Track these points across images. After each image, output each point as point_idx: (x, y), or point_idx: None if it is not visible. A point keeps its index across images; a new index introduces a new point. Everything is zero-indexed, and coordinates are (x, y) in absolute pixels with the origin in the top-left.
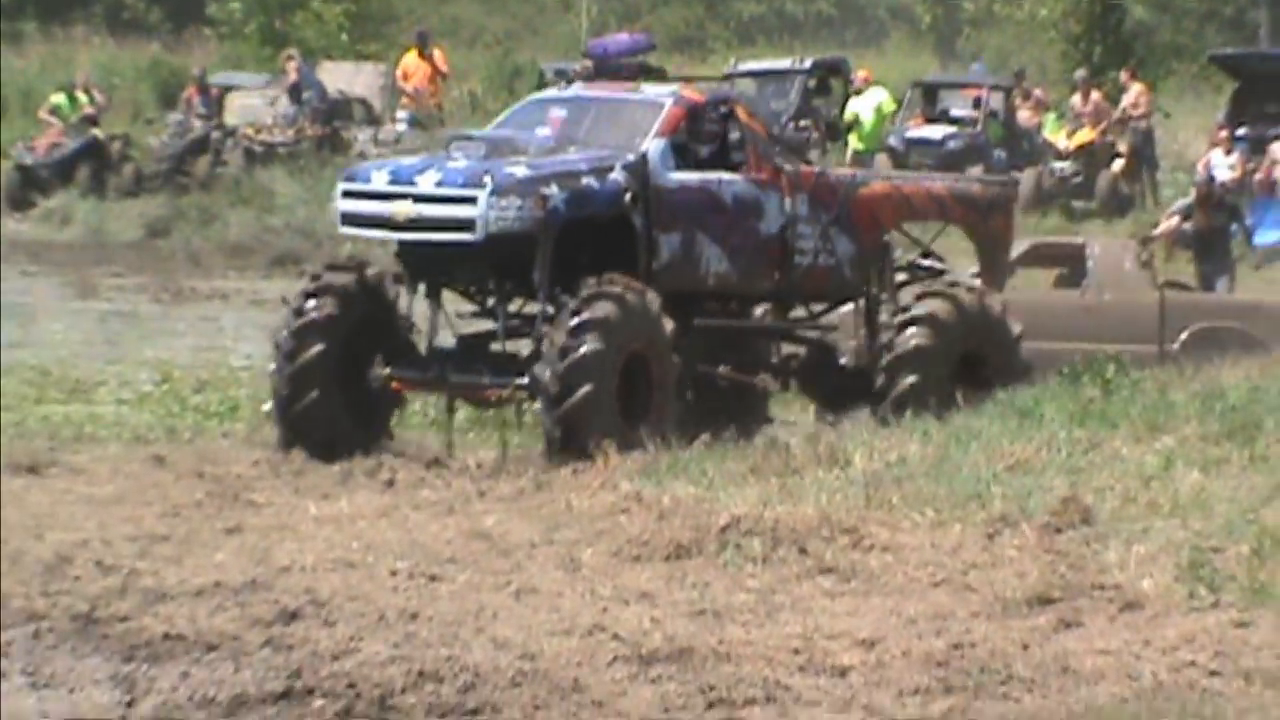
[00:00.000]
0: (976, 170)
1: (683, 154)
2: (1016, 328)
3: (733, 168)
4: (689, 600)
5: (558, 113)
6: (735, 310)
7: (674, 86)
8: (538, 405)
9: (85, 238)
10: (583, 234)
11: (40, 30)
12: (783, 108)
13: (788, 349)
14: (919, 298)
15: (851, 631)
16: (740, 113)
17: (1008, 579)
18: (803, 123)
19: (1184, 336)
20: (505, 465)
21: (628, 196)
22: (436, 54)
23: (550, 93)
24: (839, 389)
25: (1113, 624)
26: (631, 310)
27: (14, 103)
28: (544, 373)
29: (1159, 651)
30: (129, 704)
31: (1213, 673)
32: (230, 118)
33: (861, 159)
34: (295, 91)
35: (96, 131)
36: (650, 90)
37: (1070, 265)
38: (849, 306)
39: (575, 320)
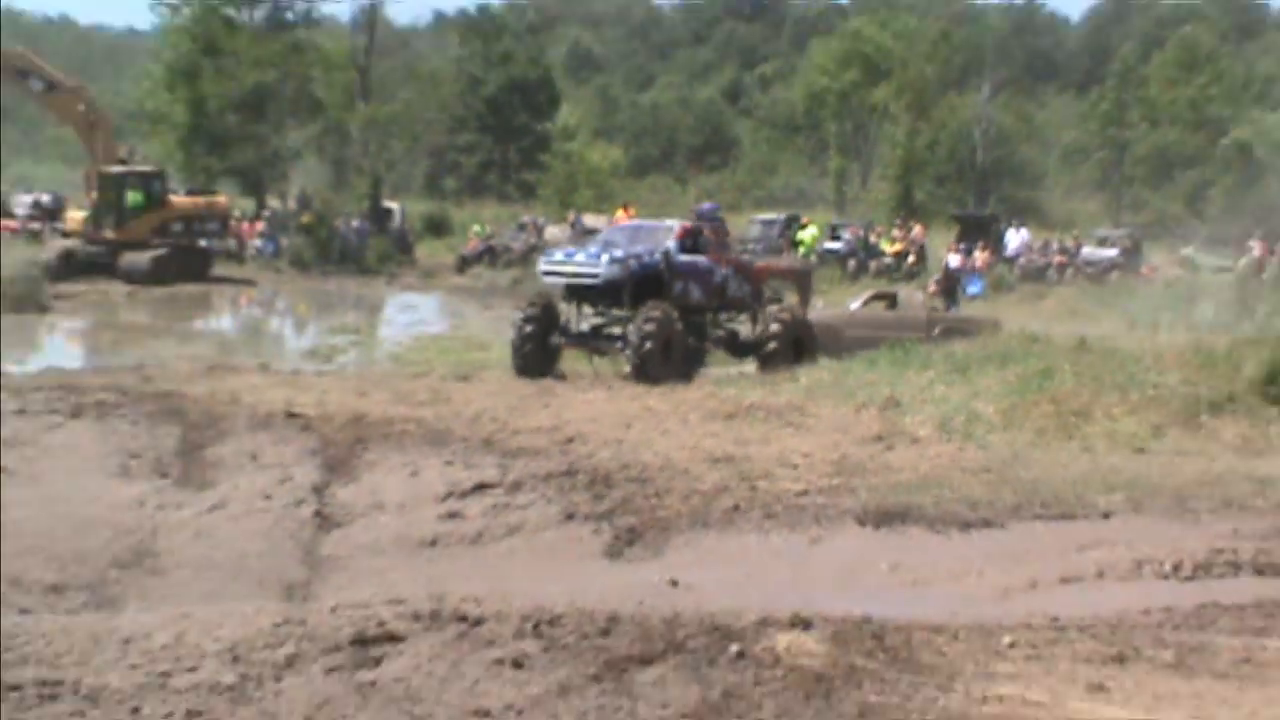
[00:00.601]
0: (854, 263)
1: (683, 248)
2: (814, 328)
3: (701, 253)
4: (733, 436)
5: (627, 229)
6: (699, 315)
7: (674, 221)
8: (626, 355)
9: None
10: (642, 282)
11: None
12: (774, 233)
13: (717, 332)
14: (778, 312)
15: (799, 449)
16: (706, 232)
17: (864, 428)
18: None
19: (936, 331)
20: (609, 382)
21: (662, 265)
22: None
23: (623, 222)
24: (739, 351)
25: (907, 449)
26: (666, 315)
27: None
28: (633, 340)
29: (927, 461)
30: (504, 472)
31: (954, 469)
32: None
33: (805, 257)
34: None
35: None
36: (667, 221)
37: (890, 300)
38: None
39: (645, 319)
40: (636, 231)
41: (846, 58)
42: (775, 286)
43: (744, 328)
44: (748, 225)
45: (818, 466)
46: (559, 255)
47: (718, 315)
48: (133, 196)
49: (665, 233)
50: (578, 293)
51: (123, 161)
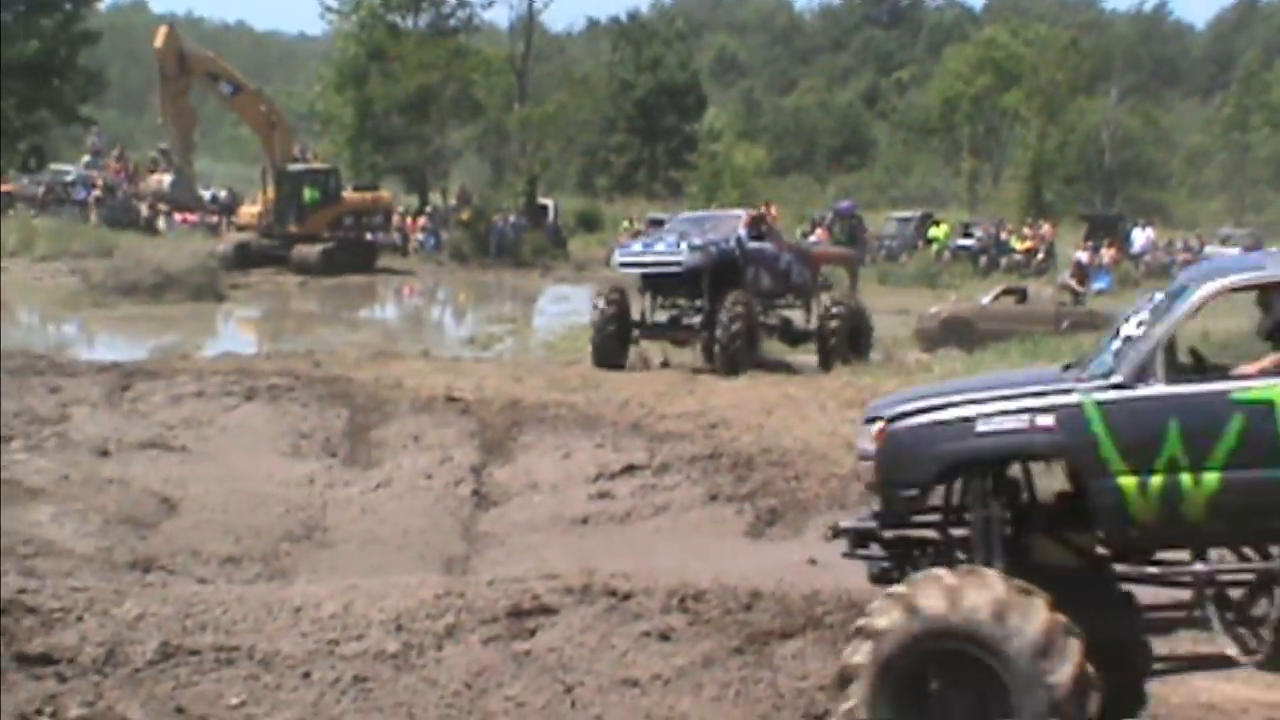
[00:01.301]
0: (985, 259)
1: (751, 235)
2: (871, 318)
3: (766, 240)
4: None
5: (695, 219)
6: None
7: (741, 210)
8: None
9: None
10: (719, 269)
11: None
12: (909, 230)
13: (770, 320)
14: (835, 302)
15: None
16: (769, 221)
17: None
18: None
19: (1064, 324)
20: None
21: (737, 252)
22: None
23: (690, 213)
24: (794, 340)
25: None
26: (750, 303)
27: None
28: (722, 330)
29: None
30: (652, 455)
31: None
32: None
33: (939, 252)
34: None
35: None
36: (735, 210)
37: (1020, 295)
38: None
39: (731, 307)
40: (705, 221)
41: (980, 64)
42: (824, 273)
43: (795, 315)
44: (884, 223)
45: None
46: (637, 246)
47: (771, 302)
48: (310, 193)
49: (733, 221)
50: (656, 283)
51: (296, 160)
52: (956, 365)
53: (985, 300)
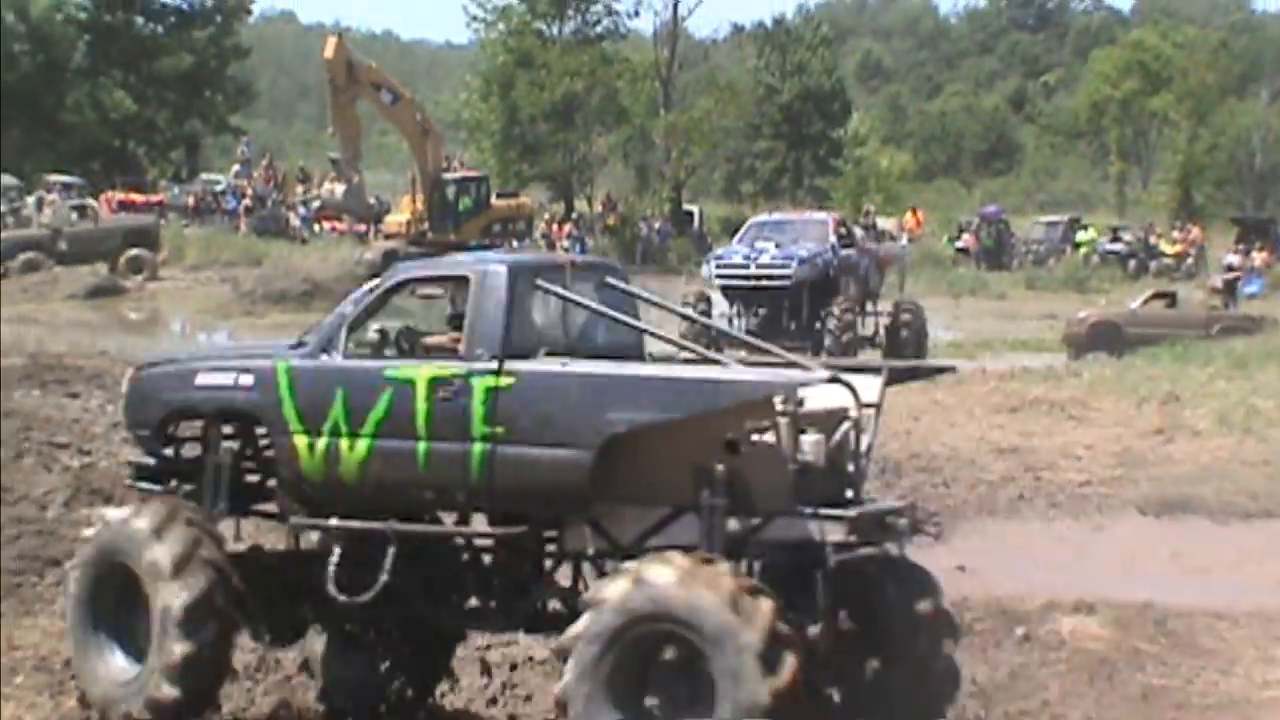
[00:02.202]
0: (1134, 263)
1: (841, 243)
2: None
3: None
4: (1017, 429)
5: (775, 224)
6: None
7: (824, 213)
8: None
9: None
10: (821, 280)
11: None
12: (1056, 235)
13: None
14: (902, 303)
15: (1082, 441)
16: (846, 226)
17: (1145, 422)
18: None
19: (1215, 329)
20: None
21: (835, 263)
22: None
23: (763, 216)
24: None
25: (1187, 442)
26: (853, 312)
27: None
28: (830, 340)
29: (1208, 453)
30: None
31: (1234, 461)
32: None
33: (1088, 257)
34: None
35: None
36: (818, 214)
37: (1170, 299)
38: None
39: (841, 318)
40: (786, 226)
41: (1128, 66)
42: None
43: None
44: (1030, 227)
45: (1100, 458)
46: (736, 258)
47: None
48: (464, 201)
49: (821, 227)
50: (754, 294)
51: (445, 168)
52: (1105, 371)
53: (1134, 305)
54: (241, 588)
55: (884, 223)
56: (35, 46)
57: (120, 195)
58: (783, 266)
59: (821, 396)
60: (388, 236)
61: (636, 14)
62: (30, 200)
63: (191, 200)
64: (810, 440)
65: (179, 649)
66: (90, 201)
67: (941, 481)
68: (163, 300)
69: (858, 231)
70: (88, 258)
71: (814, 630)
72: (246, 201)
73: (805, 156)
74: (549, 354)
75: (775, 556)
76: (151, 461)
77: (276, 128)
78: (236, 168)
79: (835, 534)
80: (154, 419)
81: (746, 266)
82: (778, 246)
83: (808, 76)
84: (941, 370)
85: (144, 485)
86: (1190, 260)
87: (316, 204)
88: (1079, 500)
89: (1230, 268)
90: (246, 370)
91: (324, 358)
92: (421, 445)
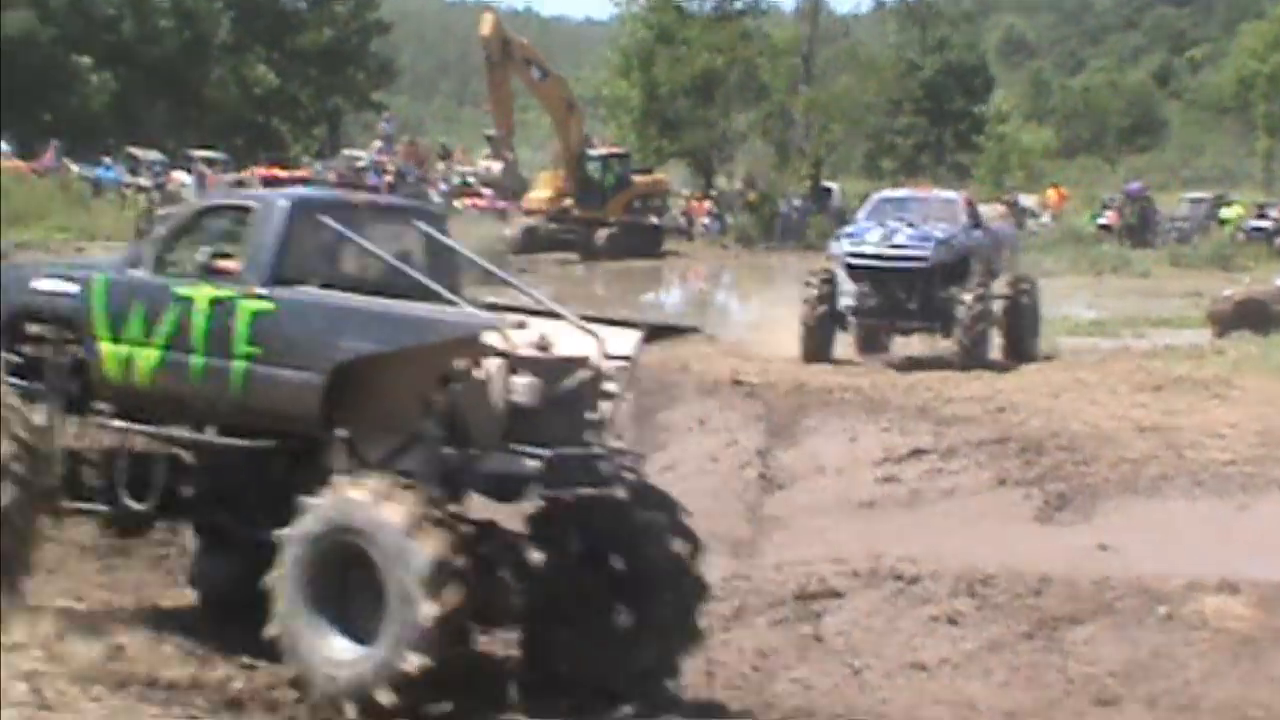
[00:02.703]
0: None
1: (972, 223)
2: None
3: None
4: (1161, 407)
5: (903, 201)
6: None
7: (954, 193)
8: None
9: None
10: (955, 263)
11: None
12: (1202, 212)
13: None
14: (1017, 280)
15: (1226, 420)
16: (973, 205)
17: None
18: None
19: None
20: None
21: (969, 245)
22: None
23: (888, 192)
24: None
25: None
26: (989, 292)
27: None
28: (966, 322)
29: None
30: (938, 439)
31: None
32: None
33: (1233, 234)
34: None
35: None
36: (945, 192)
37: None
38: None
39: (976, 299)
40: (912, 203)
41: (1277, 40)
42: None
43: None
44: (1176, 204)
45: (1245, 437)
46: (871, 235)
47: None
48: (607, 177)
49: (952, 207)
50: (886, 274)
51: (587, 145)
52: (1251, 349)
53: None
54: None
55: (1026, 199)
56: (180, 23)
57: (265, 170)
58: (919, 248)
59: (566, 345)
60: (529, 213)
61: None
62: (188, 177)
63: (334, 176)
64: (523, 382)
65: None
66: (246, 176)
67: (1083, 460)
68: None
69: (998, 208)
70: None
71: (536, 557)
72: (388, 178)
73: (947, 133)
74: (322, 286)
75: (488, 489)
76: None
77: (417, 104)
78: (378, 144)
79: (533, 472)
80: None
81: (880, 246)
82: (910, 226)
83: (950, 52)
84: (688, 330)
85: (12, 381)
86: None
87: (470, 179)
88: (1223, 479)
89: None
90: (72, 279)
91: (131, 273)
92: (197, 359)
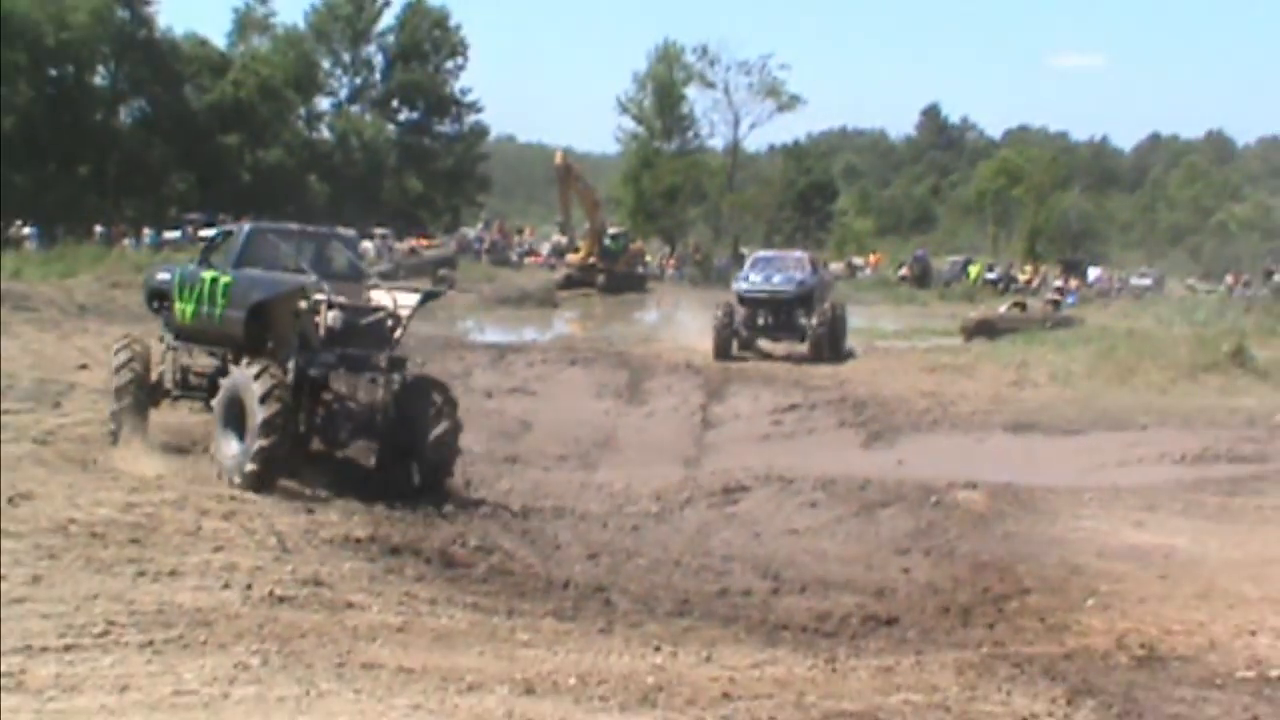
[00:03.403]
0: (1001, 284)
1: (813, 272)
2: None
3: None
4: (934, 381)
5: (773, 258)
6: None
7: (802, 252)
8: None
9: None
10: (806, 295)
11: None
12: (959, 268)
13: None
14: (830, 309)
15: (971, 389)
16: (814, 261)
17: (1007, 377)
18: None
19: (1048, 324)
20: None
21: (813, 284)
22: None
23: (761, 252)
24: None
25: (1033, 390)
26: (830, 316)
27: None
28: (811, 334)
29: (1043, 396)
30: (806, 398)
31: (1059, 401)
32: None
33: (976, 280)
34: None
35: None
36: (796, 252)
37: (1023, 306)
38: None
39: (820, 320)
40: (779, 260)
41: (999, 171)
42: None
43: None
44: (944, 264)
45: (981, 398)
46: (756, 278)
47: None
48: (615, 245)
49: (802, 260)
50: (765, 303)
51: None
52: (984, 348)
53: (1002, 309)
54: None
55: (857, 260)
56: (367, 155)
57: (413, 241)
58: (787, 286)
59: (383, 300)
60: (567, 266)
61: (712, 135)
62: (369, 244)
63: (454, 244)
64: (332, 315)
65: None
66: (416, 244)
67: (889, 411)
68: (437, 304)
69: (835, 266)
70: (417, 277)
71: (353, 407)
72: (486, 245)
73: (811, 220)
74: (265, 270)
75: (315, 371)
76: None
77: (503, 201)
78: (480, 225)
79: (328, 364)
80: (145, 295)
81: (762, 285)
82: (779, 273)
83: (813, 175)
84: (439, 295)
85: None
86: (1035, 284)
87: (545, 247)
88: (968, 423)
89: (1058, 289)
90: (169, 272)
91: (191, 268)
92: (208, 309)
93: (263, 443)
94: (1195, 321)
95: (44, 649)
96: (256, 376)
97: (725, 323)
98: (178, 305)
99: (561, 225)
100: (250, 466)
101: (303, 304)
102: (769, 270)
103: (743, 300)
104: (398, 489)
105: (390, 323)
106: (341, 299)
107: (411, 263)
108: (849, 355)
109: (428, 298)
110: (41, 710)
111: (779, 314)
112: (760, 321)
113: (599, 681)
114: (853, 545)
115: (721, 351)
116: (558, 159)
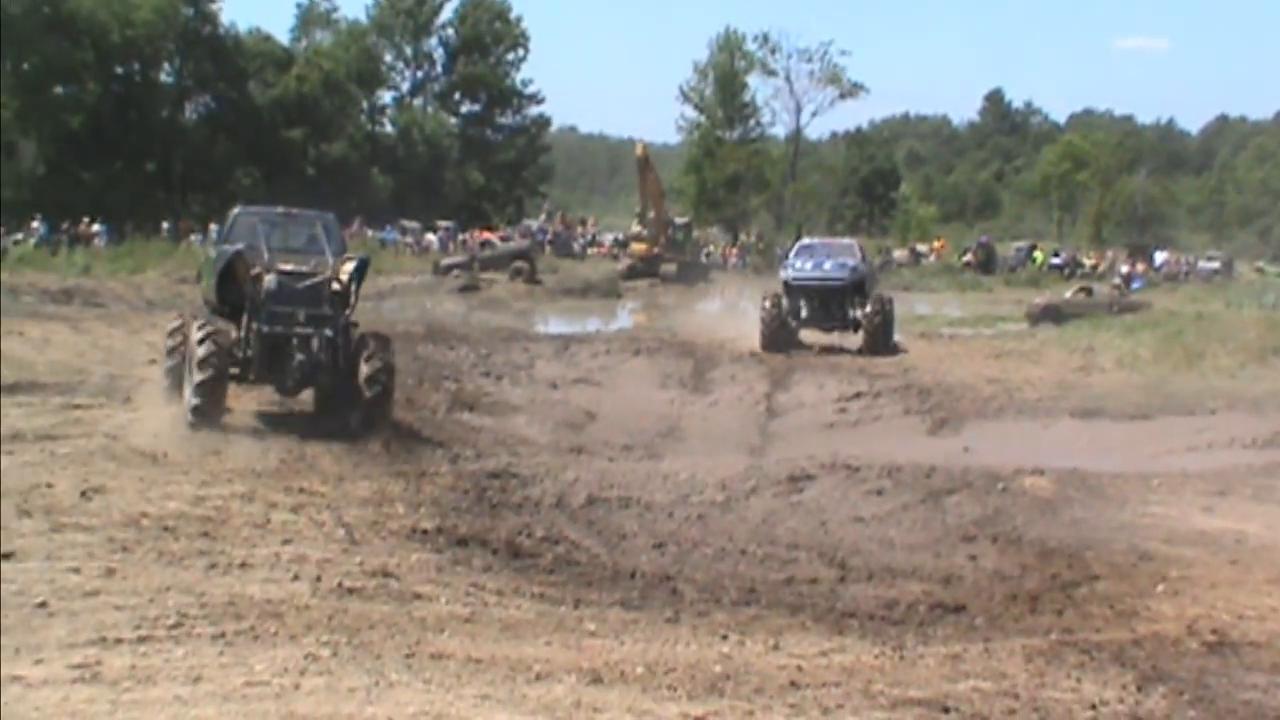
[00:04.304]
0: (1066, 270)
1: (863, 259)
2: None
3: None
4: (1000, 367)
5: (824, 245)
6: None
7: (851, 240)
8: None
9: None
10: (859, 283)
11: None
12: (1023, 254)
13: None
14: (880, 300)
15: (1037, 374)
16: (862, 249)
17: (1074, 362)
18: None
19: (1115, 309)
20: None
21: (865, 272)
22: None
23: (806, 240)
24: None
25: (1100, 375)
26: (885, 305)
27: None
28: (867, 323)
29: (1110, 382)
30: (872, 386)
31: (1126, 386)
32: None
33: (1041, 266)
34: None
35: None
36: (846, 240)
37: (1089, 291)
38: None
39: (875, 311)
40: (827, 247)
41: (1063, 156)
42: None
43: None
44: (1008, 250)
45: (1047, 384)
46: (807, 266)
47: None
48: (679, 235)
49: (851, 248)
50: (817, 292)
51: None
52: (1050, 334)
53: (1068, 295)
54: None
55: (921, 247)
56: (429, 149)
57: (480, 233)
58: (838, 274)
59: (343, 270)
60: (631, 256)
61: (774, 124)
62: (434, 236)
63: (518, 236)
64: (269, 279)
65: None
66: (487, 235)
67: (955, 398)
68: (499, 293)
69: (899, 253)
70: (496, 268)
71: (300, 357)
72: (550, 236)
73: (874, 209)
74: (247, 248)
75: (257, 325)
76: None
77: (566, 193)
78: (543, 216)
79: (266, 320)
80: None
81: (812, 273)
82: (829, 259)
83: (875, 162)
84: (368, 260)
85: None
86: (1102, 269)
87: (609, 238)
88: (1034, 409)
89: (1124, 273)
90: (215, 254)
91: (224, 247)
92: (206, 280)
93: (200, 377)
94: (1265, 304)
95: (118, 640)
96: (199, 328)
97: (773, 313)
98: (203, 283)
99: (640, 215)
100: (193, 400)
101: (255, 271)
102: (818, 257)
103: (790, 289)
104: (333, 429)
105: (335, 287)
106: (283, 266)
107: (487, 255)
108: (896, 348)
109: (362, 264)
110: (117, 701)
111: (830, 303)
112: (809, 311)
113: (666, 670)
114: (919, 532)
115: (771, 343)
116: (639, 150)
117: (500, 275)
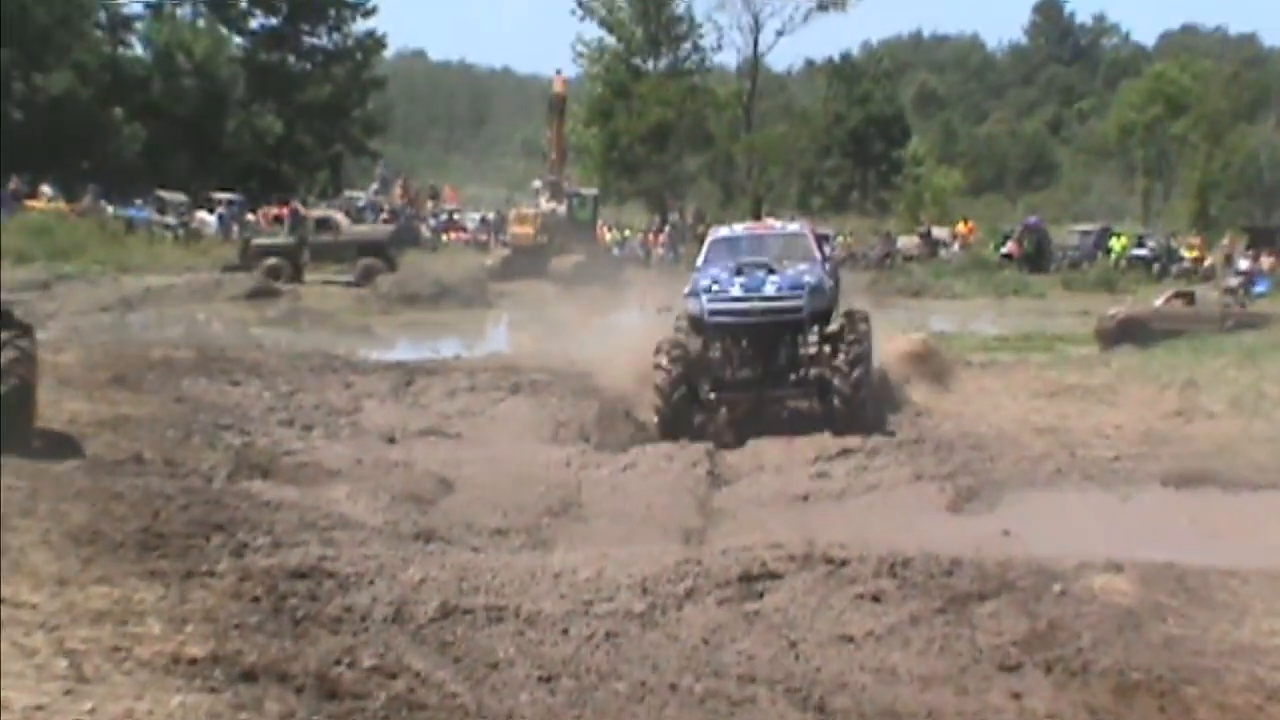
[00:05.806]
0: (1158, 266)
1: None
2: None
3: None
4: (1055, 411)
5: (755, 239)
6: None
7: (796, 224)
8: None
9: (848, 288)
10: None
11: None
12: (1090, 242)
13: None
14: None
15: (1111, 422)
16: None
17: (1166, 405)
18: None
19: (1228, 324)
20: None
21: (832, 285)
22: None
23: (725, 230)
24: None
25: (1204, 422)
26: (864, 342)
27: None
28: (840, 380)
29: (1221, 432)
30: (864, 440)
31: (1244, 439)
32: None
33: (1117, 261)
34: None
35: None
36: (789, 225)
37: (1189, 297)
38: None
39: (850, 349)
40: (768, 240)
41: (1151, 95)
42: None
43: None
44: (1067, 235)
45: (1127, 436)
46: (734, 290)
47: None
48: (581, 213)
49: (804, 240)
50: (758, 330)
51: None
52: (1132, 361)
53: (1158, 303)
54: None
55: (939, 232)
56: (201, 81)
57: (275, 210)
58: (793, 297)
59: None
60: (509, 245)
61: (719, 48)
62: (210, 215)
63: (339, 215)
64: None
65: None
66: (336, 215)
67: (988, 457)
68: (308, 301)
69: (906, 240)
70: (336, 260)
71: None
72: (384, 215)
73: (869, 174)
74: None
75: None
76: None
77: (410, 151)
78: (375, 186)
79: None
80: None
81: (746, 300)
82: (770, 272)
83: (871, 105)
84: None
85: None
86: (1207, 264)
87: (455, 215)
88: (1108, 473)
89: (1242, 271)
90: None
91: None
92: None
93: None
94: None
95: None
96: None
97: (674, 376)
98: None
99: (552, 184)
100: None
101: None
102: (750, 267)
103: (703, 327)
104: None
105: None
106: None
107: (324, 241)
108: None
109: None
110: None
111: (777, 350)
112: (738, 363)
113: None
114: (936, 659)
115: (673, 423)
116: (557, 85)
117: (340, 273)
